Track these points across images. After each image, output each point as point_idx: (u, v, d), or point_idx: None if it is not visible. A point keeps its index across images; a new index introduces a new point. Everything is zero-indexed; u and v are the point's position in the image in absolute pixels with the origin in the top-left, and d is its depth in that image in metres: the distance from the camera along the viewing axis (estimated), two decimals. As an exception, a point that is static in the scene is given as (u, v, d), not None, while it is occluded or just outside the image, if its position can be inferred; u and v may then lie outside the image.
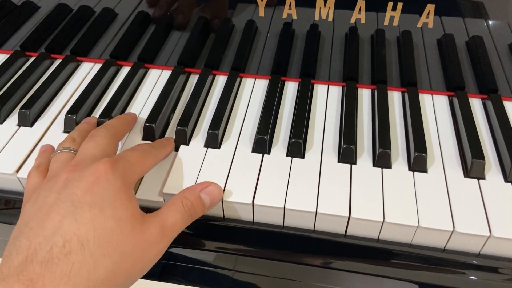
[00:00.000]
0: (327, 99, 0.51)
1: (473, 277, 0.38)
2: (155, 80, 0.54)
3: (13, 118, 0.49)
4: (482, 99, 0.51)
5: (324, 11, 0.51)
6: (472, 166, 0.42)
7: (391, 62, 0.53)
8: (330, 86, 0.53)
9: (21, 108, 0.48)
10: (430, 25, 0.51)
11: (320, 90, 0.52)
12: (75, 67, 0.57)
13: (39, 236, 0.31)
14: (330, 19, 0.52)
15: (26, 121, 0.48)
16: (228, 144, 0.45)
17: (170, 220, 0.35)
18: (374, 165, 0.43)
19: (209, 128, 0.45)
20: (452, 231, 0.37)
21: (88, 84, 0.52)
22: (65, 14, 0.59)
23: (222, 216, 0.41)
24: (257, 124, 0.46)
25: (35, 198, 0.35)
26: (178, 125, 0.45)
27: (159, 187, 0.41)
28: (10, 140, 0.46)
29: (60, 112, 0.50)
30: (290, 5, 0.52)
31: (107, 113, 0.48)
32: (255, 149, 0.44)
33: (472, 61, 0.52)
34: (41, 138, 0.47)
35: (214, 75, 0.55)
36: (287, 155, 0.44)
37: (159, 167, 0.42)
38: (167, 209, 0.36)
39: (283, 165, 0.42)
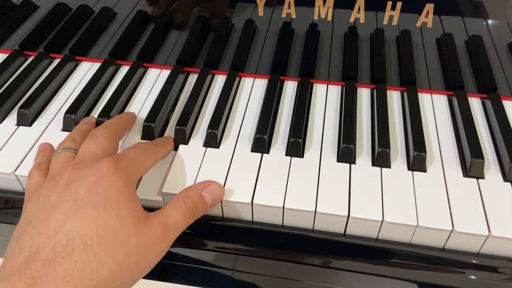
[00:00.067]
0: (326, 98, 0.51)
1: (472, 277, 0.38)
2: (154, 79, 0.54)
3: (12, 117, 0.49)
4: (481, 98, 0.51)
5: (323, 11, 0.51)
6: (471, 165, 0.42)
7: (390, 62, 0.53)
8: (329, 85, 0.53)
9: (20, 107, 0.48)
10: (429, 25, 0.51)
11: (319, 90, 0.52)
12: (74, 66, 0.56)
13: (42, 235, 0.31)
14: (329, 18, 0.52)
15: (25, 120, 0.48)
16: (227, 143, 0.45)
17: (172, 219, 0.35)
18: (373, 165, 0.43)
19: (208, 128, 0.45)
20: (451, 231, 0.37)
21: (87, 83, 0.52)
22: (64, 14, 0.59)
23: (222, 216, 0.41)
24: (256, 124, 0.46)
25: (37, 197, 0.35)
26: (177, 124, 0.45)
27: (158, 187, 0.41)
28: (9, 139, 0.46)
29: (59, 111, 0.50)
30: (289, 4, 0.52)
31: (106, 113, 0.48)
32: (254, 149, 0.44)
33: (471, 61, 0.52)
34: (39, 137, 0.47)
35: (213, 75, 0.55)
36: (286, 154, 0.44)
37: (158, 167, 0.42)
38: (169, 208, 0.36)
39: (282, 165, 0.42)
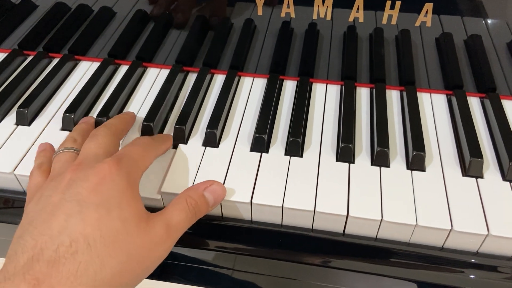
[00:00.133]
0: (325, 98, 0.51)
1: (472, 276, 0.38)
2: (153, 79, 0.54)
3: (11, 117, 0.49)
4: (480, 98, 0.51)
5: (323, 10, 0.51)
6: (470, 164, 0.42)
7: (390, 61, 0.53)
8: (328, 85, 0.53)
9: (19, 107, 0.48)
10: (429, 24, 0.51)
11: (318, 89, 0.52)
12: (73, 66, 0.56)
13: (45, 235, 0.31)
14: (329, 18, 0.52)
15: (24, 120, 0.48)
16: (226, 143, 0.45)
17: (175, 219, 0.35)
18: (372, 164, 0.43)
19: (208, 127, 0.45)
20: (450, 230, 0.37)
21: (86, 83, 0.52)
22: (63, 13, 0.59)
23: (221, 215, 0.41)
24: (256, 123, 0.46)
25: (39, 198, 0.35)
26: (176, 124, 0.45)
27: (157, 185, 0.41)
28: (8, 139, 0.46)
29: (58, 111, 0.50)
30: (288, 4, 0.52)
31: (105, 112, 0.48)
32: (253, 148, 0.44)
33: (470, 60, 0.52)
34: (39, 137, 0.46)
35: (213, 74, 0.55)
36: (286, 154, 0.44)
37: (158, 166, 0.42)
38: (172, 208, 0.36)
39: (281, 164, 0.42)
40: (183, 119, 0.46)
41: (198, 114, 0.49)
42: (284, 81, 0.53)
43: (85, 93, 0.50)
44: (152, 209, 0.36)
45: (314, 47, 0.53)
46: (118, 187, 0.34)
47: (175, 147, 0.45)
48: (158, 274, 0.43)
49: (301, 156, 0.44)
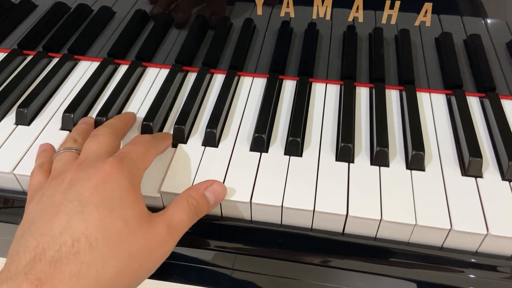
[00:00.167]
0: (325, 97, 0.51)
1: (471, 275, 0.38)
2: (153, 78, 0.54)
3: (11, 116, 0.49)
4: (480, 97, 0.51)
5: (322, 10, 0.51)
6: (470, 164, 0.42)
7: (389, 61, 0.53)
8: (328, 84, 0.53)
9: (19, 106, 0.48)
10: (428, 24, 0.51)
11: (318, 89, 0.52)
12: (73, 65, 0.56)
13: (47, 235, 0.31)
14: (328, 17, 0.52)
15: (24, 119, 0.48)
16: (226, 142, 0.45)
17: (176, 219, 0.35)
18: (371, 164, 0.43)
19: (207, 127, 0.45)
20: (450, 229, 0.37)
21: (86, 82, 0.52)
22: (62, 13, 0.59)
23: (220, 215, 0.41)
24: (255, 123, 0.46)
25: (40, 197, 0.34)
26: (176, 123, 0.45)
27: (157, 185, 0.41)
28: (7, 138, 0.46)
29: (57, 110, 0.50)
30: (288, 3, 0.52)
31: (104, 112, 0.48)
32: (253, 148, 0.44)
33: (470, 60, 0.52)
34: (38, 136, 0.46)
35: (212, 74, 0.55)
36: (285, 153, 0.44)
37: (157, 165, 0.42)
38: (173, 208, 0.36)
39: (281, 164, 0.43)
40: (182, 118, 0.46)
41: (198, 113, 0.49)
42: (284, 80, 0.53)
43: (85, 93, 0.50)
44: (151, 209, 0.36)
45: (313, 47, 0.53)
46: (120, 187, 0.34)
47: (174, 146, 0.45)
48: (158, 273, 0.43)
49: (300, 155, 0.44)
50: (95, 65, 0.56)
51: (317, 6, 0.51)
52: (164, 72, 0.55)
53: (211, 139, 0.45)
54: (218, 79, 0.54)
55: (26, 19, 0.59)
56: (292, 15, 0.53)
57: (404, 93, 0.50)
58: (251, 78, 0.54)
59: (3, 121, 0.49)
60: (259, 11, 0.53)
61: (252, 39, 0.55)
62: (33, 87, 0.51)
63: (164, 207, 0.42)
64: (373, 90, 0.51)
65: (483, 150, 0.44)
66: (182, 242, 0.40)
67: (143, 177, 0.41)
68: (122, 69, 0.56)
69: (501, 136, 0.44)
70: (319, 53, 0.54)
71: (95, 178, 0.34)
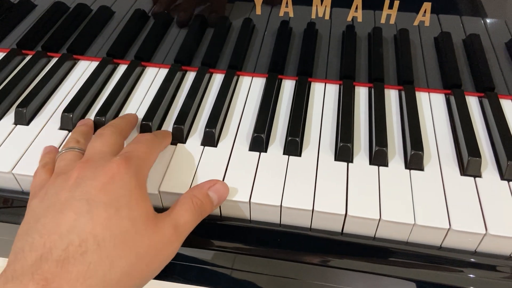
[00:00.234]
0: (324, 97, 0.51)
1: (471, 275, 0.38)
2: (152, 78, 0.54)
3: (10, 116, 0.49)
4: (479, 97, 0.51)
5: (321, 9, 0.51)
6: (469, 164, 0.42)
7: (388, 60, 0.53)
8: (327, 84, 0.53)
9: (18, 106, 0.48)
10: (427, 23, 0.51)
11: (317, 88, 0.52)
12: (72, 65, 0.56)
13: (53, 234, 0.31)
14: (327, 17, 0.52)
15: (23, 119, 0.48)
16: (225, 142, 0.45)
17: (182, 219, 0.35)
18: (370, 163, 0.43)
19: (206, 127, 0.45)
20: (448, 229, 0.37)
21: (85, 82, 0.52)
22: (61, 12, 0.59)
23: (220, 215, 0.41)
24: (254, 122, 0.46)
25: (44, 195, 0.34)
26: (175, 123, 0.45)
27: (156, 185, 0.41)
28: (6, 138, 0.46)
29: (56, 110, 0.50)
30: (287, 3, 0.52)
31: (103, 112, 0.47)
32: (252, 147, 0.44)
33: (469, 59, 0.52)
34: (37, 136, 0.46)
35: (211, 73, 0.55)
36: (284, 153, 0.44)
37: (156, 165, 0.42)
38: (178, 209, 0.36)
39: (280, 163, 0.43)
40: (181, 118, 0.46)
41: (197, 113, 0.49)
42: (283, 80, 0.53)
43: (84, 93, 0.50)
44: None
45: (312, 47, 0.53)
46: (127, 186, 0.34)
47: (173, 144, 0.45)
48: (158, 273, 0.43)
49: (299, 155, 0.44)
50: (94, 64, 0.56)
51: (316, 5, 0.51)
52: (163, 71, 0.55)
53: (210, 139, 0.45)
54: (217, 79, 0.54)
55: (25, 18, 0.59)
56: (291, 14, 0.53)
57: (403, 93, 0.50)
58: (250, 77, 0.54)
59: (2, 120, 0.48)
60: (258, 10, 0.53)
61: (251, 38, 0.55)
62: (32, 86, 0.51)
63: (163, 207, 0.42)
64: (372, 89, 0.51)
65: (482, 150, 0.44)
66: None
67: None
68: (121, 68, 0.56)
69: (500, 135, 0.44)
70: (318, 52, 0.54)
71: (102, 177, 0.33)
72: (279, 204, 0.39)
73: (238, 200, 0.39)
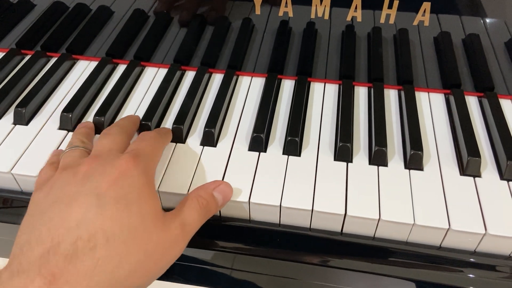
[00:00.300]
0: (323, 97, 0.51)
1: (470, 275, 0.38)
2: (151, 78, 0.54)
3: (9, 116, 0.49)
4: (478, 97, 0.51)
5: (320, 9, 0.51)
6: (468, 164, 0.42)
7: (388, 60, 0.53)
8: (326, 84, 0.53)
9: (17, 106, 0.48)
10: (426, 23, 0.51)
11: (316, 88, 0.52)
12: (71, 65, 0.56)
13: (61, 228, 0.30)
14: (327, 17, 0.52)
15: (22, 119, 0.48)
16: (224, 142, 0.45)
17: (189, 219, 0.35)
18: (370, 163, 0.43)
19: (206, 126, 0.45)
20: (448, 229, 0.37)
21: (84, 82, 0.52)
22: (61, 12, 0.59)
23: (219, 215, 0.41)
24: (254, 122, 0.46)
25: (49, 189, 0.34)
26: (174, 123, 0.45)
27: (156, 185, 0.41)
28: (5, 138, 0.46)
29: (55, 110, 0.50)
30: (286, 3, 0.52)
31: (103, 112, 0.47)
32: (251, 147, 0.44)
33: (468, 59, 0.52)
34: (36, 136, 0.46)
35: (211, 73, 0.55)
36: (284, 153, 0.44)
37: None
38: (185, 208, 0.36)
39: (279, 163, 0.42)
40: (181, 118, 0.46)
41: (196, 113, 0.49)
42: (282, 80, 0.53)
43: (83, 93, 0.50)
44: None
45: (312, 46, 0.53)
46: (137, 183, 0.33)
47: (173, 142, 0.45)
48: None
49: (299, 155, 0.44)
50: (93, 64, 0.56)
51: (316, 5, 0.51)
52: (163, 71, 0.54)
53: (210, 139, 0.45)
54: (217, 79, 0.54)
55: (24, 18, 0.59)
56: (291, 14, 0.53)
57: (402, 93, 0.50)
58: (250, 77, 0.54)
59: (1, 120, 0.48)
60: (258, 10, 0.53)
61: (251, 38, 0.55)
62: (31, 86, 0.51)
63: (162, 207, 0.42)
64: (372, 89, 0.51)
65: (482, 150, 0.44)
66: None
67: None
68: (121, 68, 0.56)
69: (500, 135, 0.44)
70: (318, 52, 0.54)
71: (112, 173, 0.33)
72: (279, 204, 0.39)
73: (238, 200, 0.39)
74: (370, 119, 0.48)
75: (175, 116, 0.46)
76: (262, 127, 0.45)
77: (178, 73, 0.53)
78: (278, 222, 0.41)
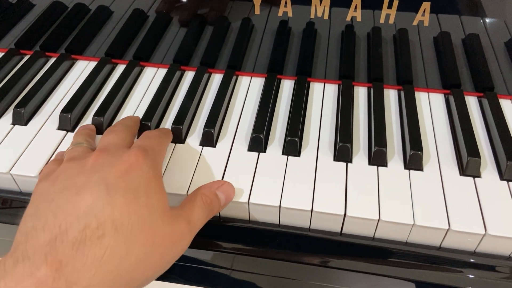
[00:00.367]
0: (323, 97, 0.51)
1: (470, 275, 0.38)
2: (151, 78, 0.54)
3: (8, 116, 0.49)
4: (478, 97, 0.51)
5: (320, 9, 0.51)
6: (468, 164, 0.42)
7: (387, 60, 0.53)
8: (326, 84, 0.53)
9: (16, 106, 0.48)
10: (426, 23, 0.51)
11: (316, 88, 0.52)
12: (70, 65, 0.56)
13: (69, 215, 0.30)
14: (326, 17, 0.52)
15: (21, 119, 0.48)
16: (224, 142, 0.45)
17: (194, 215, 0.35)
18: (369, 163, 0.43)
19: (205, 127, 0.45)
20: (448, 229, 0.37)
21: (83, 82, 0.52)
22: (60, 12, 0.59)
23: (219, 215, 0.41)
24: (253, 123, 0.46)
25: (55, 178, 0.34)
26: (174, 123, 0.45)
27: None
28: (4, 138, 0.46)
29: (54, 110, 0.50)
30: (286, 3, 0.51)
31: (102, 112, 0.47)
32: (251, 148, 0.44)
33: (468, 59, 0.52)
34: (35, 136, 0.46)
35: (210, 73, 0.55)
36: (283, 153, 0.44)
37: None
38: (190, 205, 0.36)
39: (279, 164, 0.42)
40: (180, 118, 0.46)
41: (196, 113, 0.49)
42: (282, 80, 0.53)
43: (82, 93, 0.50)
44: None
45: (311, 46, 0.53)
46: (146, 175, 0.34)
47: (172, 142, 0.45)
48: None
49: (298, 155, 0.43)
50: (92, 64, 0.56)
51: (315, 5, 0.51)
52: (162, 71, 0.54)
53: (209, 139, 0.45)
54: (216, 79, 0.54)
55: (23, 18, 0.59)
56: (290, 14, 0.52)
57: (402, 93, 0.50)
58: (249, 77, 0.54)
59: (0, 121, 0.48)
60: (257, 10, 0.53)
61: (250, 38, 0.55)
62: (30, 87, 0.51)
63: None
64: (371, 89, 0.51)
65: (481, 150, 0.44)
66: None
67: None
68: (120, 68, 0.55)
69: (499, 135, 0.44)
70: (317, 52, 0.54)
71: (121, 165, 0.33)
72: (278, 205, 0.39)
73: (237, 200, 0.39)
74: (369, 119, 0.48)
75: (174, 116, 0.46)
76: (262, 127, 0.45)
77: (177, 73, 0.53)
78: (278, 223, 0.41)
